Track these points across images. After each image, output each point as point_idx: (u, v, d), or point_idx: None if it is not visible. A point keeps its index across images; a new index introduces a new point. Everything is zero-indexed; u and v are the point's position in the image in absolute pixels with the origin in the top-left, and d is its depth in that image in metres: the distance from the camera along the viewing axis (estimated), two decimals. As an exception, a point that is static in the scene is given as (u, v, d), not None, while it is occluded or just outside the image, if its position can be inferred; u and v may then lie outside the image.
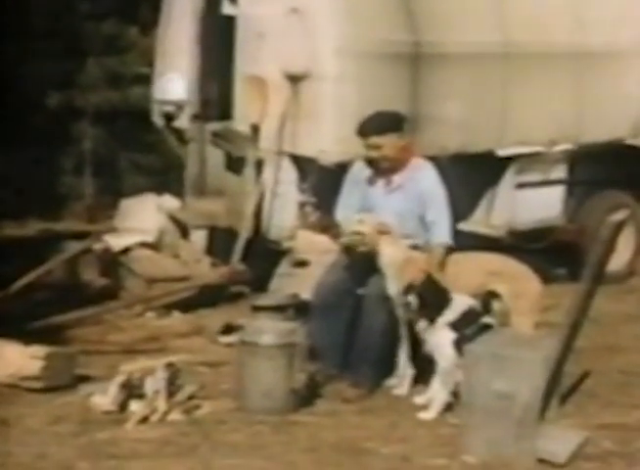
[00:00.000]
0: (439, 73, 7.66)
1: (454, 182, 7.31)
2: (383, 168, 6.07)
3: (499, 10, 8.13)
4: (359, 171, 6.22)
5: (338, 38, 7.30)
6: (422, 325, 5.63)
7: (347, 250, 5.98)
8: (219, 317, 7.28)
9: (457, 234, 7.19)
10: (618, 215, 5.15)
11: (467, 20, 7.92)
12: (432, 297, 5.58)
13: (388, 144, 5.99)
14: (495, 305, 6.02)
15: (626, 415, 5.68)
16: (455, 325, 5.55)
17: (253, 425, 5.41)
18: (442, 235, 6.02)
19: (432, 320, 5.59)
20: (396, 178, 6.07)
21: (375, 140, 5.99)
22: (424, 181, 6.06)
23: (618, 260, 8.57)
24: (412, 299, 5.55)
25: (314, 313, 6.08)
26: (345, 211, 6.18)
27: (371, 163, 6.11)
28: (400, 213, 5.98)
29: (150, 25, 9.99)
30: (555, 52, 8.35)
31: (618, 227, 5.04)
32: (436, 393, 5.59)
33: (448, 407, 5.56)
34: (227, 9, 8.16)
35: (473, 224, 8.17)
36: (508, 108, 8.08)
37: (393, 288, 5.74)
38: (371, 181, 6.13)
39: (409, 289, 5.58)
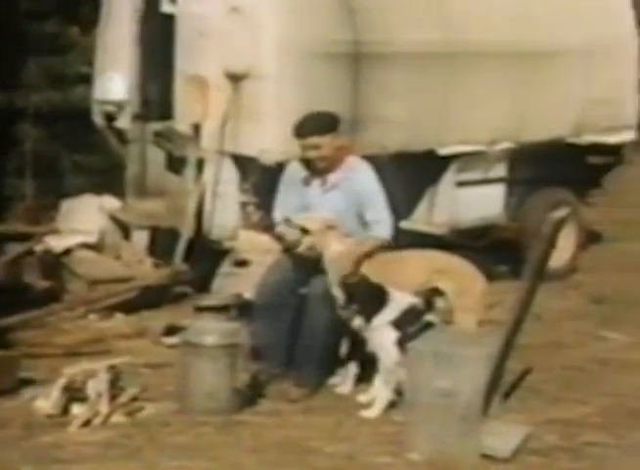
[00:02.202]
0: (381, 73, 7.66)
1: (396, 181, 7.35)
2: (319, 168, 6.09)
3: (440, 9, 8.16)
4: (294, 172, 6.24)
5: (279, 37, 7.28)
6: (357, 323, 5.64)
7: (290, 250, 5.97)
8: (162, 318, 7.24)
9: (400, 232, 7.22)
10: (559, 213, 5.20)
11: (408, 18, 7.93)
12: (366, 295, 5.59)
13: (326, 144, 6.02)
14: (439, 302, 6.05)
15: (570, 410, 5.74)
16: (397, 323, 5.57)
17: (197, 426, 5.39)
18: (382, 231, 6.05)
19: (368, 319, 5.60)
20: (332, 178, 6.10)
21: (313, 140, 6.01)
22: (360, 180, 6.09)
23: (560, 257, 8.66)
24: (341, 295, 5.57)
25: (257, 313, 6.07)
26: (283, 212, 6.19)
27: (307, 163, 6.13)
28: (337, 212, 6.00)
29: (91, 25, 9.88)
30: (496, 51, 8.39)
31: (559, 224, 5.07)
32: (380, 391, 5.60)
33: (392, 405, 5.57)
34: (167, 7, 8.10)
35: (415, 223, 8.21)
36: (449, 107, 8.11)
37: (336, 286, 5.74)
38: (307, 181, 6.16)
39: (342, 286, 5.60)
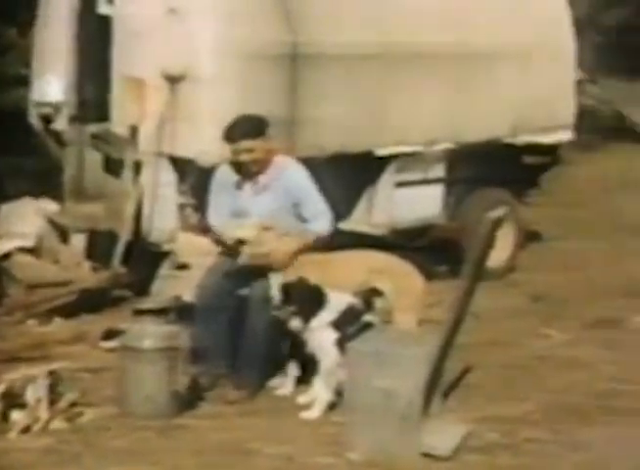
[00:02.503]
0: (318, 74, 7.67)
1: (334, 182, 7.36)
2: (250, 172, 6.09)
3: (377, 10, 8.17)
4: (224, 175, 6.24)
5: (215, 39, 7.26)
6: (295, 324, 5.64)
7: (230, 253, 5.96)
8: (101, 322, 7.19)
9: (339, 233, 7.23)
10: (496, 212, 5.23)
11: (345, 20, 7.95)
12: (303, 296, 5.60)
13: (258, 147, 6.03)
14: (378, 302, 6.07)
15: (510, 407, 5.78)
16: (336, 324, 5.58)
17: (137, 430, 5.36)
18: (321, 225, 6.07)
19: (306, 320, 5.61)
20: (263, 179, 6.11)
21: (246, 144, 6.01)
22: (291, 179, 6.12)
23: (499, 256, 8.74)
24: (278, 295, 5.58)
25: (197, 316, 6.05)
26: (218, 217, 6.20)
27: (238, 167, 6.12)
28: (271, 214, 6.01)
29: (28, 26, 9.79)
30: (434, 52, 8.44)
31: (497, 224, 5.11)
32: (320, 392, 5.60)
33: (332, 406, 5.58)
34: (104, 9, 8.04)
35: (354, 223, 8.23)
36: (387, 108, 8.14)
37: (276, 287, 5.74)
38: (238, 185, 6.16)
39: (280, 287, 5.61)
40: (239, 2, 7.51)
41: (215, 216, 6.24)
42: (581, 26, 12.21)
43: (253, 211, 6.06)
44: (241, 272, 5.92)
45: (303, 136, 7.54)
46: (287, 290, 5.62)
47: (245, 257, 5.87)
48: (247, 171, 6.10)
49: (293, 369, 5.97)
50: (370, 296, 6.02)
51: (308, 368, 5.82)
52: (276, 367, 6.03)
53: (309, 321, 5.60)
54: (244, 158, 6.04)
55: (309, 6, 7.75)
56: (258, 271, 5.88)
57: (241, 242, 5.87)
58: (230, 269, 5.96)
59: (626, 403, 5.89)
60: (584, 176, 14.75)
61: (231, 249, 5.94)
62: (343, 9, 7.96)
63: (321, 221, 6.10)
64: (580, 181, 14.63)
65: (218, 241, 6.09)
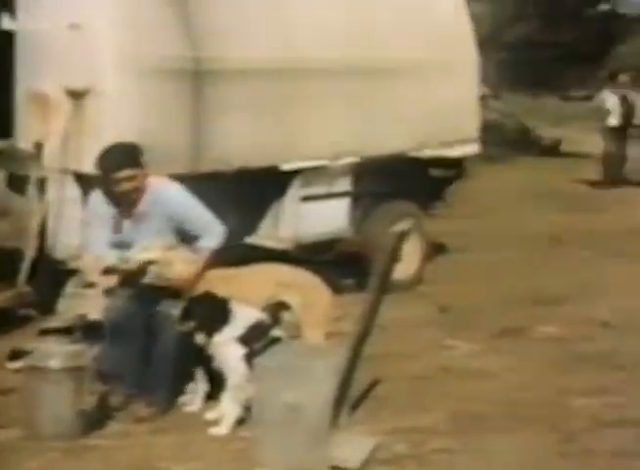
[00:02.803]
0: (223, 89, 7.65)
1: (241, 197, 7.36)
2: (129, 200, 6.00)
3: (282, 26, 8.20)
4: (98, 206, 6.13)
5: (118, 54, 7.18)
6: (200, 339, 5.63)
7: (130, 281, 5.90)
8: (7, 342, 7.05)
9: (246, 248, 7.22)
10: (402, 225, 5.29)
11: (249, 36, 7.94)
12: (205, 310, 5.59)
13: (140, 175, 5.95)
14: (286, 316, 6.08)
15: (417, 419, 5.83)
16: (244, 339, 5.58)
17: (45, 452, 5.28)
18: (212, 240, 6.04)
19: (209, 334, 5.60)
20: (141, 207, 6.01)
21: (129, 172, 5.90)
22: (169, 201, 6.03)
23: (406, 269, 8.82)
24: (180, 311, 5.57)
25: (106, 336, 5.98)
26: (99, 248, 6.09)
27: (114, 196, 6.01)
28: (155, 239, 5.93)
29: None
30: (339, 67, 8.47)
31: (402, 237, 5.17)
32: (228, 408, 5.59)
33: (241, 422, 5.57)
34: (6, 24, 7.93)
35: (261, 238, 8.23)
36: (292, 122, 8.16)
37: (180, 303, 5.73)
38: (117, 217, 6.05)
39: (182, 302, 5.60)
40: (141, 17, 7.43)
41: (97, 247, 6.11)
42: (485, 43, 12.44)
43: (136, 240, 5.95)
44: (147, 293, 5.87)
45: (209, 151, 7.51)
46: (189, 305, 5.60)
47: (151, 277, 5.83)
48: (125, 200, 5.99)
49: (201, 385, 5.95)
50: (277, 310, 6.03)
51: (217, 384, 5.80)
52: (185, 384, 6.00)
53: (212, 336, 5.59)
54: (125, 187, 5.92)
55: (213, 21, 7.71)
56: (165, 291, 5.84)
57: (147, 264, 5.82)
58: (136, 291, 5.90)
59: (532, 411, 6.00)
60: (489, 189, 15.01)
61: (134, 274, 5.86)
62: (248, 24, 7.93)
63: (210, 234, 6.06)
64: (485, 193, 14.90)
65: (114, 271, 5.97)
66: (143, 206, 6.01)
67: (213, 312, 5.61)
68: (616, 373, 6.79)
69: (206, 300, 5.64)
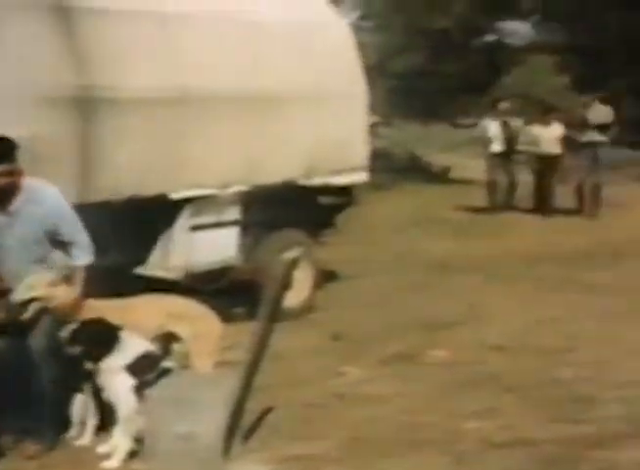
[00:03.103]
0: (113, 118, 7.58)
1: (130, 226, 7.28)
2: (3, 197, 5.81)
3: (173, 54, 8.17)
4: None
5: (6, 83, 7.05)
6: (87, 365, 5.56)
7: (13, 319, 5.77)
8: None
9: (136, 278, 7.14)
10: (292, 254, 5.30)
11: (140, 64, 7.90)
12: (92, 336, 5.51)
13: (16, 170, 5.78)
14: (176, 346, 6.03)
15: (310, 446, 5.82)
16: (133, 369, 5.51)
17: None
18: (83, 255, 5.93)
19: (95, 360, 5.52)
20: (15, 204, 5.83)
21: (5, 167, 5.72)
22: (46, 202, 5.88)
23: (297, 296, 8.85)
24: (65, 335, 5.49)
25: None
26: None
27: None
28: (23, 239, 5.81)
29: None
30: (229, 96, 8.49)
31: (292, 265, 5.18)
32: (119, 440, 5.51)
33: (133, 454, 5.50)
34: None
35: (150, 268, 8.16)
36: (182, 151, 8.13)
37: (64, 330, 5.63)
38: None
39: (68, 327, 5.52)
40: (30, 45, 7.33)
41: None
42: (374, 72, 12.60)
43: (8, 238, 5.81)
44: (22, 328, 5.72)
45: (99, 180, 7.43)
46: (78, 328, 5.52)
47: (32, 311, 5.71)
48: (0, 197, 5.81)
49: (91, 418, 5.86)
50: (167, 340, 5.98)
51: (107, 417, 5.73)
52: (71, 417, 5.90)
53: (98, 362, 5.51)
54: (2, 182, 5.74)
55: (104, 49, 7.64)
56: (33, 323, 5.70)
57: (30, 301, 5.71)
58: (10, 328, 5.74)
59: (424, 435, 6.03)
60: (379, 216, 15.14)
61: (17, 311, 5.73)
62: (139, 52, 7.90)
63: (82, 247, 5.93)
64: (375, 220, 15.02)
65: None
66: (18, 203, 5.82)
67: (101, 338, 5.53)
68: (506, 395, 6.88)
69: (96, 325, 5.57)
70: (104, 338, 5.54)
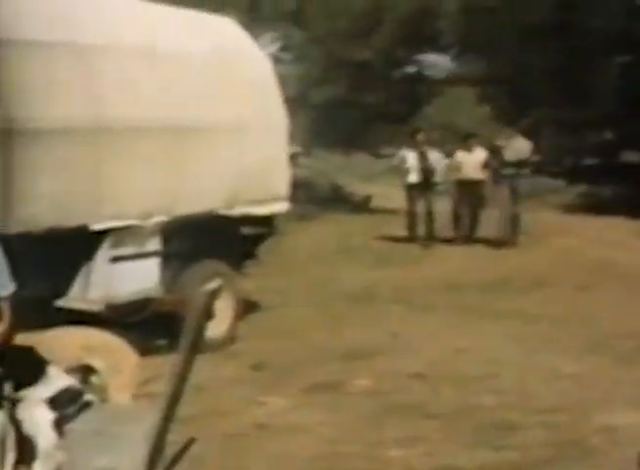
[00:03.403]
0: (32, 148, 7.51)
1: (51, 258, 7.19)
2: None
3: (90, 84, 8.12)
4: None
5: None
6: (7, 389, 5.44)
7: None
8: None
9: (56, 311, 7.05)
10: (212, 284, 5.26)
11: (58, 94, 7.83)
12: (18, 360, 5.41)
13: None
14: (93, 379, 5.95)
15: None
16: (54, 403, 5.41)
17: None
18: (6, 284, 5.71)
19: (17, 387, 5.41)
20: None
21: None
22: None
23: (219, 327, 8.81)
24: None
25: None
26: None
27: None
28: None
29: None
30: (149, 126, 8.45)
31: (212, 296, 5.14)
32: (38, 475, 5.41)
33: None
34: None
35: (71, 300, 8.05)
36: (102, 181, 8.07)
37: None
38: None
39: None
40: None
41: None
42: (294, 103, 12.65)
43: None
44: None
45: (19, 211, 7.34)
46: (2, 351, 5.39)
47: None
48: None
49: (10, 453, 5.74)
50: (85, 373, 5.90)
51: (27, 451, 5.61)
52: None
53: (20, 389, 5.40)
54: None
55: (21, 80, 7.58)
56: None
57: None
58: None
59: (347, 464, 6.04)
60: (301, 245, 15.17)
61: None
62: (58, 83, 7.83)
63: (4, 281, 5.77)
64: (297, 250, 15.04)
65: None
66: None
67: (27, 365, 5.42)
68: (429, 422, 6.93)
69: (23, 351, 5.45)
70: (31, 366, 5.43)
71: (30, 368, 5.40)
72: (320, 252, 15.41)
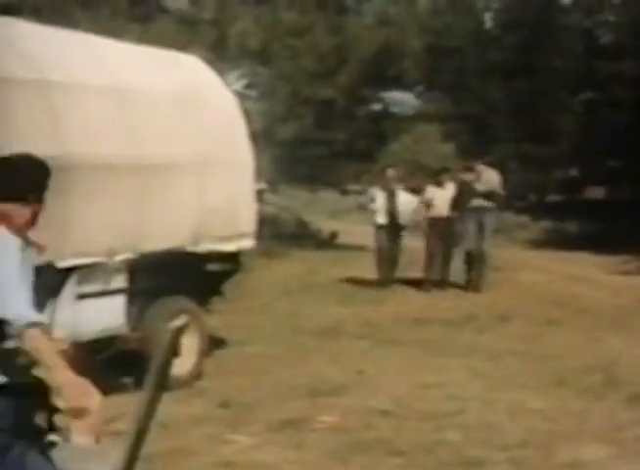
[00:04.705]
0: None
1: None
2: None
3: (54, 121, 8.08)
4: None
5: None
6: None
7: None
8: None
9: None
10: (178, 321, 5.24)
11: (21, 132, 7.80)
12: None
13: None
14: (57, 420, 5.89)
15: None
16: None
17: None
18: None
19: None
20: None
21: None
22: None
23: (185, 364, 8.77)
24: None
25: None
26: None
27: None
28: None
29: None
30: (113, 163, 8.41)
31: (178, 333, 5.11)
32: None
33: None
34: None
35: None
36: (67, 219, 8.02)
37: None
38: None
39: None
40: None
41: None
42: (260, 139, 12.70)
43: None
44: None
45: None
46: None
47: None
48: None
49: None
50: (50, 413, 5.84)
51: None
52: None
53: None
54: None
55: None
56: None
57: None
58: None
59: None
60: (267, 282, 15.18)
61: None
62: (22, 121, 7.77)
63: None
64: (263, 287, 15.05)
65: None
66: None
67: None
68: (394, 459, 6.93)
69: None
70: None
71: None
72: (286, 288, 15.41)
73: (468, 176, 16.25)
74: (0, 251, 4.23)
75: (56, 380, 5.88)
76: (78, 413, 5.60)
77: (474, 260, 16.13)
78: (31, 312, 4.17)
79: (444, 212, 16.13)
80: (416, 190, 17.03)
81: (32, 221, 4.51)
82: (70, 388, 4.52)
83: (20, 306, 4.16)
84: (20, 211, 4.42)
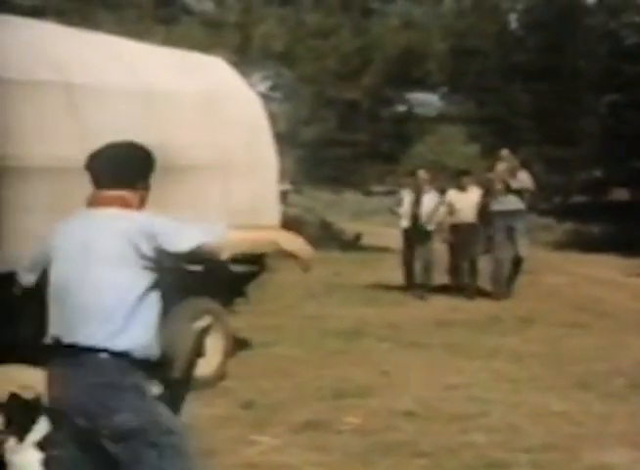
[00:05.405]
0: (19, 187, 7.49)
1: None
2: None
3: (79, 123, 8.05)
4: None
5: None
6: (11, 444, 5.43)
7: None
8: None
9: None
10: (202, 322, 5.28)
11: (48, 134, 7.82)
12: (18, 413, 5.40)
13: None
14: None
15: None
16: (41, 444, 5.40)
17: None
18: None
19: (20, 438, 5.40)
20: None
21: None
22: None
23: (209, 365, 8.77)
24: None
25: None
26: None
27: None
28: None
29: None
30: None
31: (202, 333, 5.16)
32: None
33: None
34: None
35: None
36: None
37: None
38: None
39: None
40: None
41: None
42: (284, 141, 12.72)
43: None
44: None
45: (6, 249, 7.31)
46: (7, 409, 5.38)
47: None
48: None
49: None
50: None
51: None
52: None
53: (23, 439, 5.37)
54: None
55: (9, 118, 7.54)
56: None
57: None
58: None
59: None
60: (291, 283, 15.16)
61: None
62: (46, 122, 7.81)
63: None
64: (287, 288, 15.05)
65: None
66: None
67: (25, 414, 5.41)
68: (418, 461, 6.92)
69: (16, 401, 5.43)
70: (27, 415, 5.42)
71: (27, 416, 5.38)
72: (310, 289, 15.43)
73: (500, 169, 15.30)
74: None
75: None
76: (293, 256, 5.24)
77: (506, 270, 15.41)
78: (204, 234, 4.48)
79: (468, 218, 15.45)
80: (443, 192, 16.24)
81: (139, 207, 4.65)
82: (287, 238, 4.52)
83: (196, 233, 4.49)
84: (130, 197, 4.56)
